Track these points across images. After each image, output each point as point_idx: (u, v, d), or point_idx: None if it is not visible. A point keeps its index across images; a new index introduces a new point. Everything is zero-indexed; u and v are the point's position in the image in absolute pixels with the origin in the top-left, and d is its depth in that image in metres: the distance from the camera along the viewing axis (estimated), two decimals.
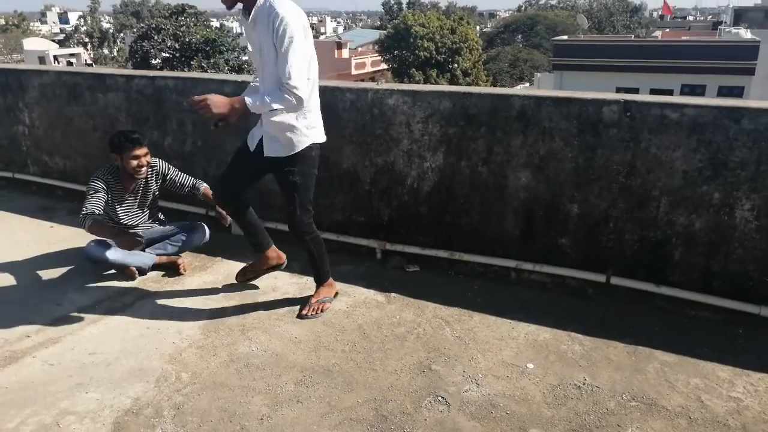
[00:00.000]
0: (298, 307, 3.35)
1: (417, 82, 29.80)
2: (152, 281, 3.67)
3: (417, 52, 33.32)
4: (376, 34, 47.40)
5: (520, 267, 3.59)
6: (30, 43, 45.79)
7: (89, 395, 2.60)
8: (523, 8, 68.79)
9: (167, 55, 26.98)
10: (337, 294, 3.41)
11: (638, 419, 2.45)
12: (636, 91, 17.00)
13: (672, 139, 3.08)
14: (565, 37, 27.28)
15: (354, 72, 38.22)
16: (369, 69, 40.48)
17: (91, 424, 2.42)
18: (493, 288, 3.55)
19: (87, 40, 50.79)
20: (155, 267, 3.75)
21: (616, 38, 29.59)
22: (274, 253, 3.46)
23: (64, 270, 3.81)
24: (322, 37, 58.88)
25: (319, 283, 3.33)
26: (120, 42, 49.93)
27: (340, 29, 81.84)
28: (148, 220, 3.88)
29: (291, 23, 2.70)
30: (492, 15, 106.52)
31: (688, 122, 3.03)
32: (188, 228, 3.91)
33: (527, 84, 33.94)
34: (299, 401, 2.57)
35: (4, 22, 60.78)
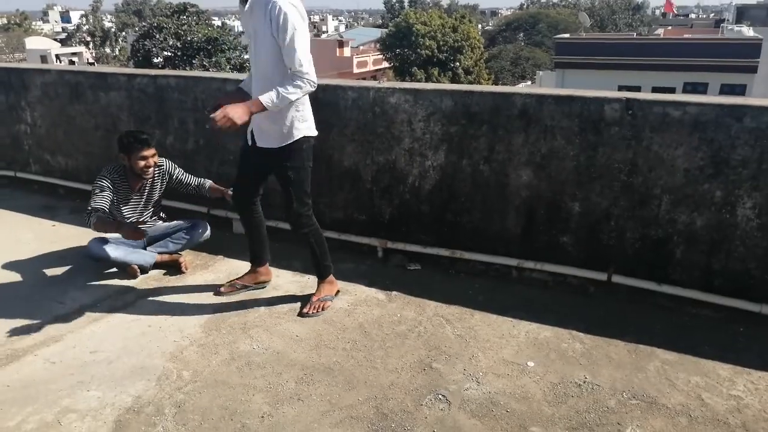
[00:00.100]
0: (299, 305, 3.35)
1: (419, 81, 29.76)
2: (154, 279, 3.68)
3: (419, 50, 33.30)
4: (377, 33, 47.41)
5: (521, 265, 3.59)
6: (32, 42, 45.83)
7: (91, 393, 2.61)
8: (525, 6, 68.70)
9: (169, 53, 26.98)
10: (338, 292, 3.41)
11: (638, 417, 2.45)
12: (638, 89, 16.97)
13: (674, 137, 3.07)
14: (567, 35, 27.27)
15: (356, 70, 38.21)
16: (371, 67, 40.48)
17: (93, 422, 2.43)
18: (494, 286, 3.55)
19: (89, 39, 50.84)
20: (157, 265, 3.75)
21: (618, 36, 29.57)
22: (267, 271, 3.55)
23: (65, 268, 3.82)
24: (323, 36, 58.91)
25: (321, 278, 3.34)
26: (122, 41, 49.99)
27: (342, 28, 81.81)
28: (151, 218, 3.89)
29: (290, 12, 2.71)
30: (494, 13, 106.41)
31: (690, 120, 3.02)
32: (189, 226, 3.92)
33: (529, 82, 33.94)
34: (300, 399, 2.57)
35: (6, 21, 60.85)
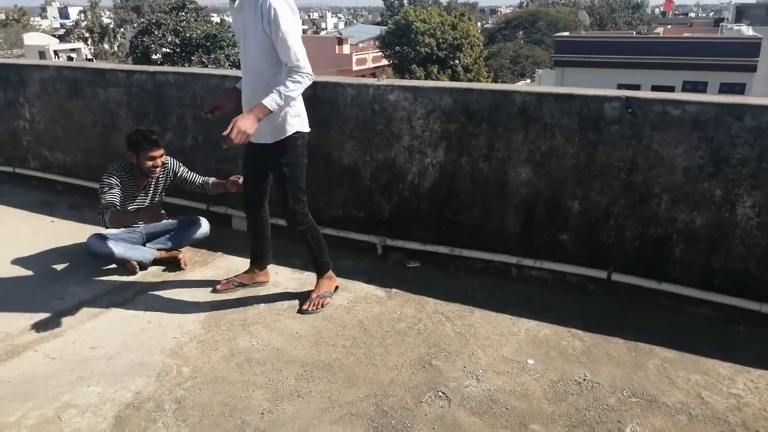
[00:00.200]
0: (299, 301, 3.35)
1: (418, 78, 29.73)
2: (153, 276, 3.67)
3: (418, 48, 33.27)
4: (377, 30, 47.36)
5: (520, 263, 3.60)
6: (30, 38, 45.72)
7: (90, 389, 2.60)
8: (524, 4, 68.64)
9: (168, 50, 26.90)
10: (337, 288, 3.41)
11: (638, 415, 2.45)
12: (637, 87, 16.98)
13: (673, 136, 3.07)
14: (566, 34, 27.26)
15: (355, 68, 38.17)
16: (370, 65, 40.44)
17: (93, 418, 2.43)
18: (494, 284, 3.55)
19: (87, 35, 50.66)
20: (156, 262, 3.75)
21: (618, 35, 29.57)
22: (266, 272, 3.56)
23: (65, 264, 3.81)
24: (323, 33, 58.83)
25: (320, 274, 3.34)
26: (120, 37, 49.80)
27: (341, 25, 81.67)
28: None
29: (280, 6, 2.71)
30: (493, 11, 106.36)
31: (689, 119, 3.03)
32: (189, 223, 3.91)
33: (528, 80, 33.91)
34: (300, 396, 2.57)
35: (4, 17, 60.66)
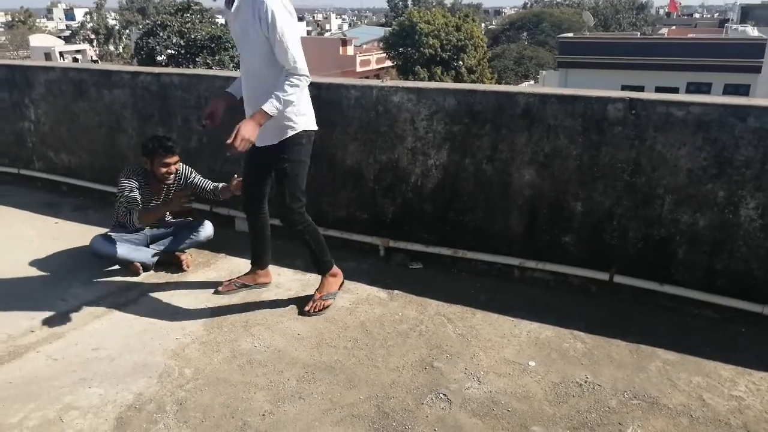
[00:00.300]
0: (301, 303, 3.35)
1: (422, 80, 29.74)
2: (156, 277, 3.68)
3: (422, 49, 33.27)
4: (381, 32, 47.40)
5: (523, 265, 3.59)
6: (36, 40, 45.96)
7: (92, 390, 2.61)
8: (528, 5, 68.61)
9: (172, 51, 26.99)
10: (342, 284, 3.39)
11: (640, 417, 2.45)
12: (641, 88, 16.95)
13: (677, 137, 3.07)
14: (570, 35, 27.22)
15: (359, 69, 38.20)
16: (374, 66, 40.47)
17: (94, 419, 2.43)
18: (496, 286, 3.54)
19: (93, 36, 50.88)
20: (159, 263, 3.76)
21: (622, 36, 29.51)
22: (267, 273, 3.55)
23: (68, 265, 3.82)
24: (327, 34, 58.90)
25: (322, 273, 3.32)
26: (125, 38, 50.00)
27: (345, 26, 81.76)
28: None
29: (277, 9, 2.71)
30: (497, 12, 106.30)
31: (693, 120, 3.02)
32: (193, 225, 3.92)
33: (532, 81, 33.89)
34: (301, 397, 2.57)
35: (10, 19, 60.96)
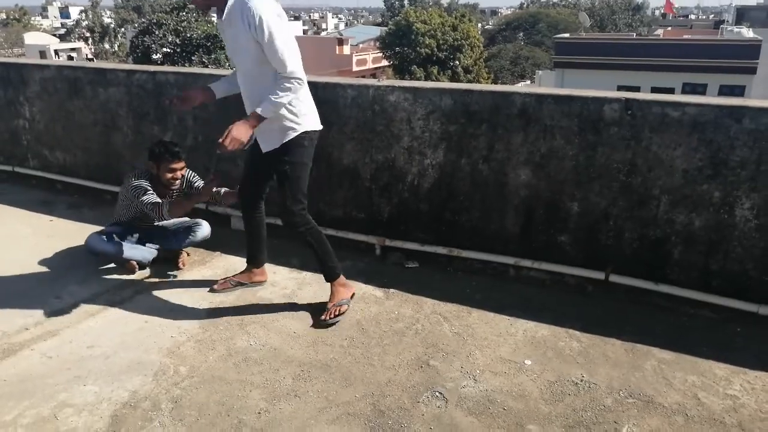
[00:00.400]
0: (297, 301, 3.36)
1: (418, 79, 29.74)
2: (152, 275, 3.67)
3: (418, 49, 33.29)
4: (377, 31, 47.39)
5: (519, 264, 3.60)
6: (31, 38, 45.72)
7: (87, 388, 2.60)
8: (525, 5, 68.67)
9: (168, 50, 26.91)
10: (353, 295, 3.30)
11: (635, 416, 2.46)
12: (637, 89, 16.98)
13: (673, 138, 3.08)
14: (566, 35, 27.28)
15: (355, 68, 38.19)
16: (370, 65, 40.46)
17: (89, 417, 2.43)
18: (492, 285, 3.55)
19: (88, 34, 50.66)
20: (155, 261, 3.75)
21: (618, 36, 29.58)
22: (263, 271, 3.53)
23: (63, 263, 3.81)
24: (323, 34, 58.84)
25: (330, 280, 3.23)
26: (121, 37, 49.81)
27: (342, 26, 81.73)
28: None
29: (265, 13, 2.70)
30: (494, 12, 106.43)
31: (689, 121, 3.03)
32: (189, 224, 3.90)
33: (528, 82, 33.92)
34: (297, 396, 2.57)
35: (5, 16, 60.67)
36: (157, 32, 26.89)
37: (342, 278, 3.25)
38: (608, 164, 3.24)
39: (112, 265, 3.73)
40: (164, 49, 26.93)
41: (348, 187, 3.94)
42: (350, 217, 4.00)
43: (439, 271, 3.73)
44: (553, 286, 3.53)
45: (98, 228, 3.84)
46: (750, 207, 3.01)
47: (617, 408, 2.50)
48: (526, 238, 3.56)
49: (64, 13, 76.93)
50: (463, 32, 34.08)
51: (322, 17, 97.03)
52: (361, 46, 45.36)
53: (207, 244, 3.96)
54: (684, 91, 19.16)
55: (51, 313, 3.21)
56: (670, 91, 18.21)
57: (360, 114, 3.75)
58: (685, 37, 24.66)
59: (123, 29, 50.05)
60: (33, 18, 66.86)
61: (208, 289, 3.47)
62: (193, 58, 26.14)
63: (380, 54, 38.44)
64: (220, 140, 2.74)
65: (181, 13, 27.62)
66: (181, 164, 3.62)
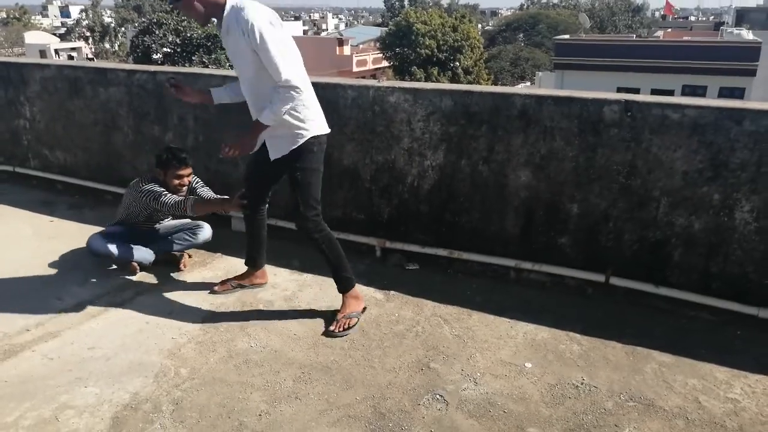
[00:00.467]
0: (298, 303, 3.36)
1: (418, 80, 29.74)
2: (152, 276, 3.67)
3: (418, 49, 33.28)
4: (377, 32, 47.38)
5: (519, 266, 3.60)
6: (31, 37, 45.70)
7: (88, 389, 2.60)
8: (525, 7, 68.67)
9: (168, 50, 26.91)
10: (365, 309, 3.24)
11: (636, 419, 2.46)
12: (637, 91, 16.99)
13: (673, 140, 3.08)
14: (566, 36, 27.27)
15: (355, 69, 38.18)
16: (370, 66, 40.45)
17: (90, 419, 2.43)
18: (492, 287, 3.55)
19: (88, 34, 50.64)
20: (156, 263, 3.74)
21: (618, 38, 29.58)
22: (263, 273, 3.53)
23: (64, 264, 3.81)
24: (323, 34, 58.84)
25: (343, 292, 3.19)
26: (121, 36, 49.82)
27: (342, 26, 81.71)
28: (162, 219, 3.89)
29: (256, 21, 2.70)
30: (494, 13, 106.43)
31: (689, 123, 3.03)
32: (191, 226, 3.90)
33: (528, 83, 33.92)
34: (297, 398, 2.57)
35: (5, 16, 60.66)
36: (157, 32, 26.89)
37: (355, 290, 3.21)
38: (608, 166, 3.24)
39: (113, 266, 3.73)
40: (164, 49, 26.93)
41: (348, 188, 3.94)
42: (350, 219, 4.00)
43: (440, 273, 3.73)
44: (553, 289, 3.53)
45: (99, 228, 3.85)
46: (750, 210, 3.02)
47: (618, 411, 2.51)
48: (526, 239, 3.56)
49: (65, 12, 76.92)
50: (464, 33, 34.07)
51: (323, 17, 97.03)
52: (361, 46, 45.36)
53: (208, 246, 3.97)
54: (684, 93, 19.15)
55: (52, 315, 3.21)
56: (670, 93, 18.20)
57: (360, 115, 3.75)
58: (685, 38, 24.66)
59: (123, 29, 50.04)
60: (33, 17, 66.86)
61: (208, 291, 3.47)
62: (193, 58, 26.14)
63: (380, 55, 38.44)
64: (226, 150, 2.86)
65: (181, 13, 27.57)
66: (188, 170, 3.61)
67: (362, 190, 3.89)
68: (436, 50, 33.43)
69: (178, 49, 26.76)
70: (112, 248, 3.60)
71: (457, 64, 33.71)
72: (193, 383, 2.66)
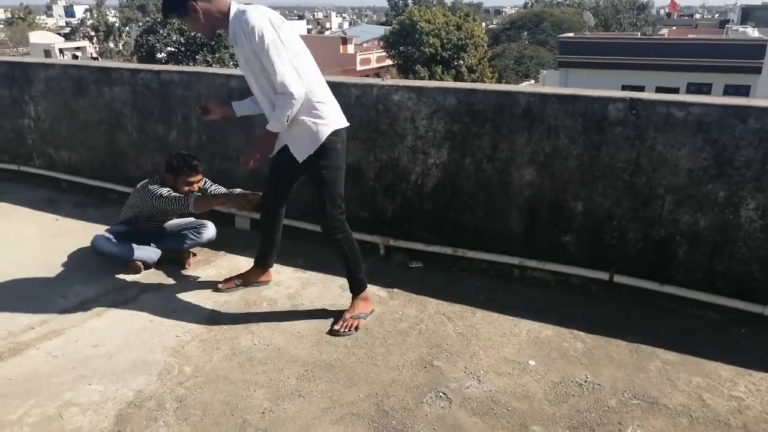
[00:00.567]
0: (301, 301, 3.36)
1: (422, 79, 29.72)
2: (156, 275, 3.68)
3: (422, 48, 33.26)
4: (381, 30, 47.38)
5: (523, 264, 3.59)
6: (36, 36, 45.85)
7: (92, 387, 2.61)
8: (529, 5, 68.58)
9: (172, 49, 26.94)
10: (373, 311, 3.23)
11: (639, 417, 2.45)
12: (642, 89, 16.94)
13: (677, 138, 3.07)
14: (571, 35, 27.22)
15: (359, 68, 38.21)
16: (374, 65, 40.48)
17: (94, 416, 2.43)
18: (496, 285, 3.55)
19: (92, 33, 50.77)
20: (160, 261, 3.75)
21: (623, 36, 29.52)
22: (269, 273, 3.54)
23: (68, 262, 3.82)
24: (327, 33, 58.85)
25: (354, 293, 3.18)
26: (125, 36, 49.94)
27: (346, 25, 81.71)
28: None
29: (257, 24, 2.68)
30: (498, 11, 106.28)
31: (693, 121, 3.02)
32: (195, 225, 3.90)
33: (532, 81, 33.89)
34: (301, 395, 2.58)
35: (10, 15, 60.87)
36: (161, 31, 26.92)
37: (366, 292, 3.21)
38: (612, 164, 3.23)
39: (117, 264, 3.73)
40: (169, 48, 26.97)
41: (352, 186, 3.93)
42: (354, 217, 3.98)
43: (443, 271, 3.73)
44: (557, 287, 3.52)
45: (104, 227, 3.86)
46: (755, 207, 3.00)
47: (622, 409, 2.50)
48: (530, 238, 3.55)
49: (69, 11, 77.14)
50: (467, 31, 34.04)
51: (326, 16, 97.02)
52: (365, 45, 45.36)
53: (211, 244, 3.97)
54: (689, 91, 19.12)
55: (56, 313, 3.22)
56: (675, 90, 18.18)
57: (364, 113, 3.75)
58: (690, 36, 24.60)
59: (127, 28, 50.16)
60: (38, 17, 67.05)
61: (212, 288, 3.48)
62: (197, 57, 26.17)
63: (384, 53, 38.42)
64: (247, 162, 2.91)
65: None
66: (199, 177, 3.61)
67: (366, 188, 3.89)
68: (440, 49, 33.41)
69: (182, 49, 26.79)
70: (117, 248, 3.61)
71: (461, 62, 33.69)
72: (197, 381, 2.66)
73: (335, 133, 2.93)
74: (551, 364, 2.80)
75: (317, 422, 2.42)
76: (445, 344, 2.96)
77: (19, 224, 4.49)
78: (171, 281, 3.61)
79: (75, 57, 40.15)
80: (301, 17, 75.06)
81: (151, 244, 3.77)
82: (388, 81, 3.77)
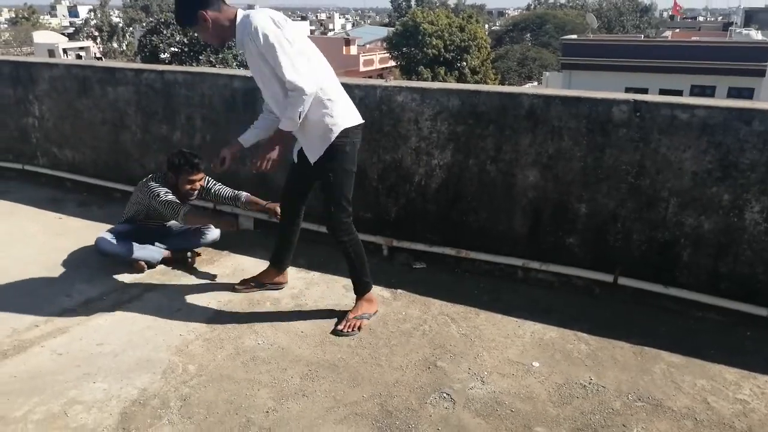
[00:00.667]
0: (305, 301, 3.36)
1: (425, 80, 29.73)
2: (160, 274, 3.69)
3: (425, 49, 33.26)
4: (384, 31, 47.38)
5: (527, 265, 3.59)
6: (40, 36, 45.94)
7: (97, 385, 2.62)
8: (532, 7, 68.54)
9: (176, 49, 27.02)
10: (377, 312, 3.23)
11: (644, 420, 2.45)
12: (645, 91, 16.94)
13: (682, 140, 3.07)
14: (574, 37, 27.20)
15: (362, 69, 38.22)
16: (377, 66, 40.49)
17: (99, 414, 2.44)
18: (500, 286, 3.55)
19: (96, 33, 50.88)
20: (163, 261, 3.76)
21: (626, 38, 29.48)
22: (285, 275, 3.51)
23: (72, 261, 3.83)
24: (330, 34, 58.92)
25: (359, 295, 3.18)
26: (129, 36, 50.04)
27: (349, 26, 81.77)
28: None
29: (260, 25, 2.68)
30: (501, 13, 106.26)
31: (698, 123, 3.02)
32: (200, 226, 3.90)
33: (536, 83, 33.85)
34: (305, 395, 2.58)
35: (14, 15, 61.03)
36: (165, 32, 27.00)
37: (371, 293, 3.21)
38: (616, 166, 3.23)
39: (121, 264, 3.74)
40: (172, 49, 27.04)
41: (355, 187, 3.91)
42: (357, 217, 3.96)
43: (447, 272, 3.73)
44: (560, 288, 3.52)
45: (107, 226, 3.86)
46: (760, 210, 3.00)
47: (626, 411, 2.50)
48: (533, 239, 3.55)
49: (73, 11, 77.32)
50: (471, 33, 34.03)
51: (329, 17, 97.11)
52: (368, 46, 45.39)
53: (215, 244, 3.98)
54: (692, 94, 19.08)
55: (60, 311, 3.23)
56: (678, 93, 18.12)
57: (367, 114, 3.74)
58: (694, 39, 24.56)
59: (131, 28, 50.27)
60: (42, 17, 67.23)
61: (218, 287, 3.48)
62: (200, 57, 26.23)
63: (387, 54, 38.43)
64: (257, 165, 2.88)
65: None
66: (201, 175, 3.62)
67: (369, 189, 3.89)
68: (443, 50, 33.41)
69: (186, 49, 26.86)
70: (120, 248, 3.61)
71: (464, 64, 33.68)
72: (201, 380, 2.67)
73: (345, 133, 2.89)
74: (555, 365, 2.80)
75: (321, 422, 2.42)
76: (449, 345, 2.96)
77: (23, 223, 4.50)
78: (175, 280, 3.62)
79: (79, 57, 40.24)
80: (304, 18, 75.16)
81: (155, 244, 3.78)
82: (392, 82, 3.77)
